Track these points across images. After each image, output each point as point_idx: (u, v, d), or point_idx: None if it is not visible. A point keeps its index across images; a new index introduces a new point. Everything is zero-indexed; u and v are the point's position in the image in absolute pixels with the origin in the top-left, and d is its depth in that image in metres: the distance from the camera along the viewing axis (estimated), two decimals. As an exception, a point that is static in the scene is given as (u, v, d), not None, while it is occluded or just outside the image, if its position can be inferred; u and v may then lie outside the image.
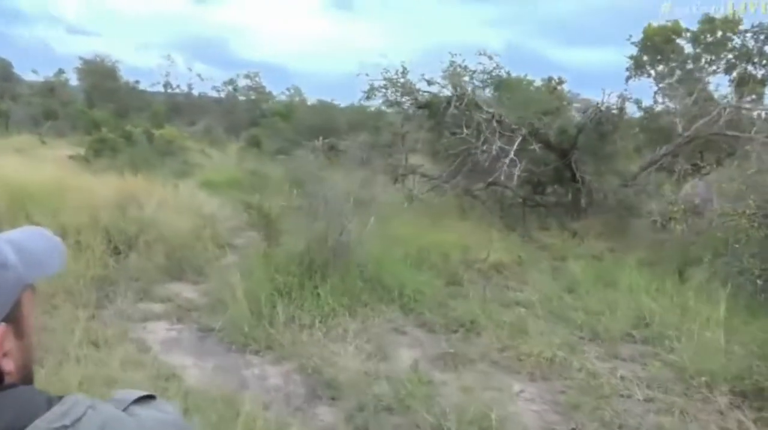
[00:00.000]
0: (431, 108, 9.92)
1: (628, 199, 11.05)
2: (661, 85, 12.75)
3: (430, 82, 9.96)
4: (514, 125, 9.42)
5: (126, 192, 8.49)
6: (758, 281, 6.75)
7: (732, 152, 11.84)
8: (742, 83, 11.67)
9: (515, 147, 9.06)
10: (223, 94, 37.71)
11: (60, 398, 0.66)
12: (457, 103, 9.25)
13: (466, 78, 11.41)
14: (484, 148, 9.13)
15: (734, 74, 11.92)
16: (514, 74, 12.75)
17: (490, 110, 9.40)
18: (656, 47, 11.97)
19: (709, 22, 11.44)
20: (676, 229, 8.28)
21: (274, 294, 5.71)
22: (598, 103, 10.21)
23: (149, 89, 36.83)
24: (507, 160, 8.89)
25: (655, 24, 11.83)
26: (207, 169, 16.06)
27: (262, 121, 28.97)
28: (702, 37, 11.68)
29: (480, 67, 11.85)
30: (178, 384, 4.04)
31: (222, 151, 22.27)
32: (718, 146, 11.84)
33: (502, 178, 9.24)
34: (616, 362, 5.14)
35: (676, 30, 11.71)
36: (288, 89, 39.72)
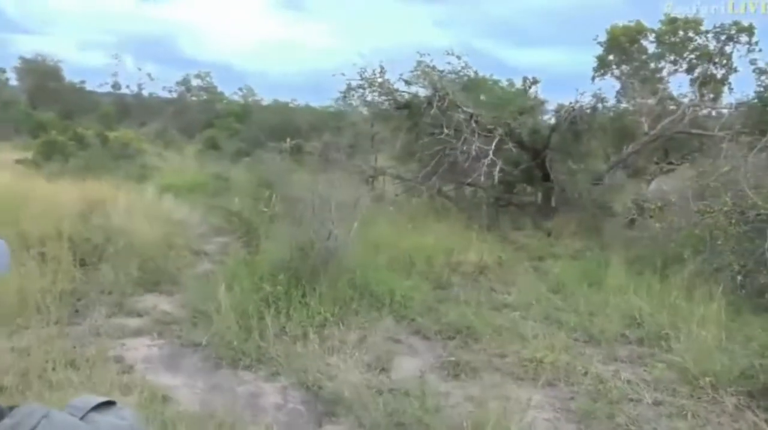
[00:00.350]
0: (411, 108, 9.78)
1: (599, 198, 11.19)
2: (623, 85, 12.94)
3: (408, 82, 9.84)
4: (489, 125, 9.38)
5: (88, 198, 8.03)
6: (738, 277, 6.92)
7: (695, 150, 12.17)
8: (703, 83, 11.99)
9: (493, 147, 9.02)
10: (174, 95, 36.68)
11: (11, 408, 0.63)
12: (439, 103, 9.15)
13: (436, 78, 11.35)
14: (464, 148, 9.06)
15: (696, 73, 12.23)
16: (479, 74, 12.82)
17: (469, 110, 9.33)
18: (621, 47, 12.18)
19: (671, 22, 11.71)
20: (654, 227, 8.37)
21: (261, 304, 5.44)
22: (571, 103, 10.30)
23: (97, 90, 35.52)
24: (487, 160, 8.84)
25: (620, 24, 12.06)
26: (166, 173, 15.50)
27: (217, 122, 28.35)
28: (665, 37, 11.94)
29: (449, 67, 11.82)
30: (174, 408, 3.74)
31: (179, 154, 21.59)
32: (683, 144, 12.14)
33: (482, 178, 9.19)
34: (617, 364, 5.10)
35: (640, 30, 11.94)
36: (240, 89, 39.03)
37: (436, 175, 9.61)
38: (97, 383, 3.94)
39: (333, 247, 5.85)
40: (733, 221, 7.35)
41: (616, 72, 13.24)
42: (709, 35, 11.60)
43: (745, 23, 11.17)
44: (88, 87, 35.44)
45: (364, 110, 13.81)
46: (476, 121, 9.26)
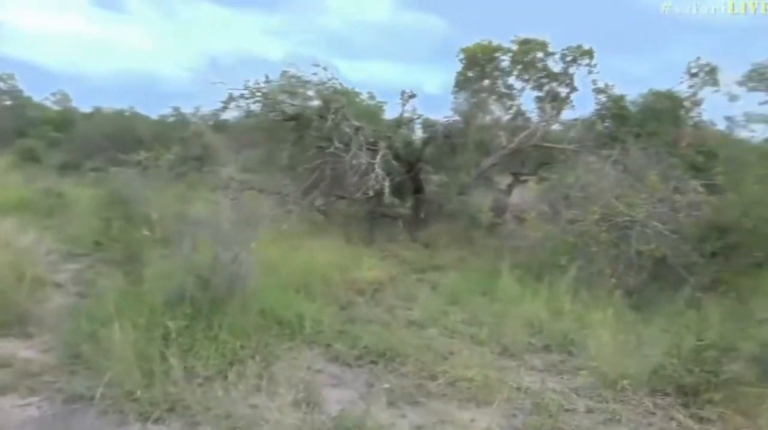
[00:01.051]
0: (300, 120, 9.36)
1: (466, 209, 11.70)
2: (480, 100, 13.62)
3: (292, 93, 9.40)
4: (371, 138, 9.33)
5: None
6: (612, 280, 7.56)
7: (548, 162, 13.24)
8: (554, 99, 13.10)
9: (379, 160, 8.98)
10: (-26, 99, 31.96)
11: None
12: (333, 116, 8.88)
13: (302, 90, 11.06)
14: (354, 162, 8.89)
15: (544, 91, 13.32)
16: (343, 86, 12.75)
17: (356, 123, 9.18)
18: (479, 64, 12.89)
19: (525, 43, 12.67)
20: (529, 236, 8.88)
21: (160, 343, 4.76)
22: (446, 117, 10.65)
23: None
24: (374, 174, 8.76)
25: (478, 42, 12.77)
26: (-21, 188, 13.27)
27: (32, 132, 25.23)
28: (519, 57, 12.86)
29: (315, 78, 11.55)
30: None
31: (-12, 166, 18.72)
32: (538, 156, 13.14)
33: (371, 192, 9.09)
34: (539, 374, 5.24)
35: (498, 49, 12.74)
36: (54, 94, 35.24)
37: (317, 189, 9.33)
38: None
39: (237, 271, 5.32)
40: (604, 228, 8.04)
41: (475, 88, 13.96)
42: (556, 56, 12.72)
43: (587, 47, 12.48)
44: None
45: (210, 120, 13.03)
46: (363, 135, 9.15)
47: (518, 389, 4.78)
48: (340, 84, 12.17)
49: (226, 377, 4.57)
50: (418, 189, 11.73)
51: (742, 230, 6.84)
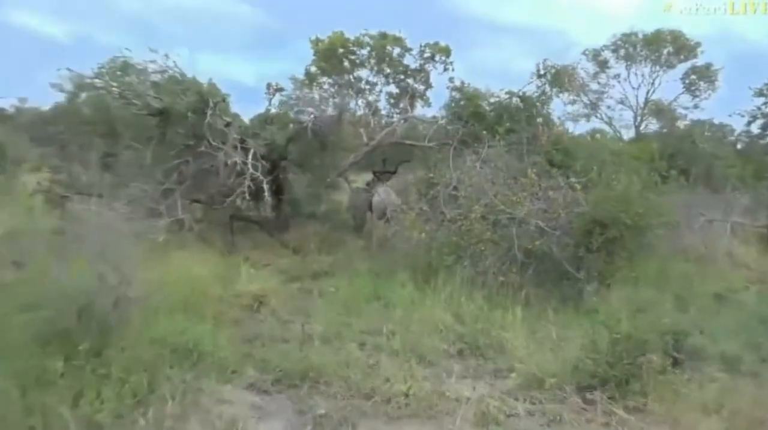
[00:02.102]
0: (169, 115, 8.34)
1: (333, 211, 11.57)
2: (337, 96, 13.57)
3: (156, 84, 8.38)
4: (235, 135, 8.73)
5: None
6: (500, 279, 7.90)
7: (408, 160, 13.57)
8: (412, 96, 13.48)
9: (250, 159, 8.44)
10: None
11: None
12: (211, 110, 8.07)
13: (134, 77, 10.03)
14: (228, 161, 8.22)
15: (399, 88, 13.66)
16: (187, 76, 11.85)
17: (227, 119, 8.51)
18: (336, 58, 12.83)
19: (382, 37, 12.84)
20: (412, 236, 8.94)
21: (37, 391, 3.99)
22: (313, 113, 10.35)
23: None
24: (250, 174, 8.21)
25: (335, 33, 12.67)
26: None
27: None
28: (374, 52, 13.02)
29: (152, 66, 10.51)
30: None
31: None
32: (397, 154, 13.39)
33: (247, 195, 8.49)
34: (464, 381, 5.27)
35: (356, 42, 12.76)
36: None
37: (176, 193, 8.48)
38: None
39: (125, 294, 4.65)
40: (486, 226, 8.37)
41: (324, 84, 13.87)
42: (414, 52, 13.10)
43: (443, 44, 13.01)
44: None
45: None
46: (236, 133, 8.51)
47: (456, 399, 4.77)
48: (182, 74, 11.35)
49: (134, 422, 3.96)
50: (279, 190, 11.31)
51: (621, 224, 7.55)
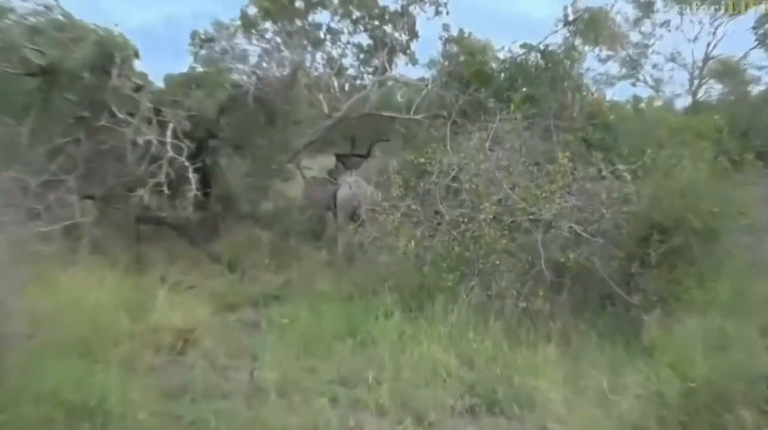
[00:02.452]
0: (55, 75, 8.04)
1: (280, 212, 11.50)
2: (270, 48, 13.35)
3: (36, 31, 8.10)
4: (148, 104, 8.55)
5: None
6: (522, 305, 7.87)
7: (385, 138, 13.57)
8: (385, 50, 13.41)
9: (169, 138, 8.29)
10: None
11: None
12: (117, 70, 7.86)
13: (4, 21, 9.74)
14: (139, 140, 8.04)
15: (372, 40, 13.60)
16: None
17: (138, 81, 8.33)
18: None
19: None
20: (405, 247, 8.86)
21: None
22: (255, 72, 10.24)
23: None
24: (169, 157, 8.07)
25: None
26: None
27: None
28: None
29: (29, 5, 10.21)
30: None
31: None
32: (370, 130, 13.38)
33: (166, 188, 8.34)
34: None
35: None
36: None
37: (64, 184, 8.27)
38: None
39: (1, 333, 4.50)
40: (501, 232, 8.35)
41: (267, 32, 13.64)
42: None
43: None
44: None
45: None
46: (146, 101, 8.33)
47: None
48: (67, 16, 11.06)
49: None
50: (206, 181, 11.13)
51: (688, 228, 7.58)
